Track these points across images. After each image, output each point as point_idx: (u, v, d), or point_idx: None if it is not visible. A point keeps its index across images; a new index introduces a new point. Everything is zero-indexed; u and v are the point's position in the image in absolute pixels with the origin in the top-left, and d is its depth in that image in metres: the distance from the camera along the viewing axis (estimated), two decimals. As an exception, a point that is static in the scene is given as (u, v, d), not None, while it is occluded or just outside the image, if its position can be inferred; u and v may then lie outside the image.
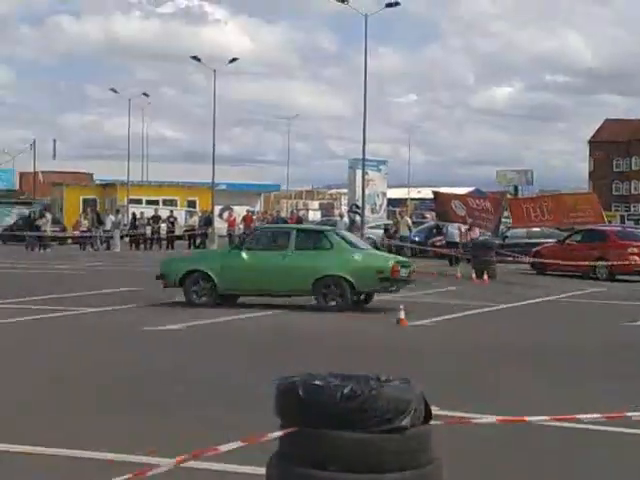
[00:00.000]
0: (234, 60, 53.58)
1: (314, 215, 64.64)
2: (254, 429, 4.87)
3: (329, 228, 20.75)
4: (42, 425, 7.39)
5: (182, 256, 21.58)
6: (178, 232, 44.09)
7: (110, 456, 6.26)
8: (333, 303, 16.34)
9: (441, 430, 4.84)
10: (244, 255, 16.97)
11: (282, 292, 16.93)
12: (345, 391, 4.16)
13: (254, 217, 44.87)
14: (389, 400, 4.14)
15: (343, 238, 17.66)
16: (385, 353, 11.50)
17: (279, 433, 4.26)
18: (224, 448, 4.37)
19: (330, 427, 4.12)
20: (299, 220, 42.43)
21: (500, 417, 5.43)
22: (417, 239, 34.73)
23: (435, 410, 4.38)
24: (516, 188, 74.36)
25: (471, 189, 70.64)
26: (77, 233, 43.26)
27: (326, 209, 69.95)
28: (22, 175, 76.81)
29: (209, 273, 16.84)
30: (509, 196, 40.42)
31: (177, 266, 17.56)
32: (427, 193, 60.42)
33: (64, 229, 46.29)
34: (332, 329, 14.14)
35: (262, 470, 4.36)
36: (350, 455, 4.09)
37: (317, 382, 4.24)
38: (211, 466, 5.70)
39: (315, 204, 76.64)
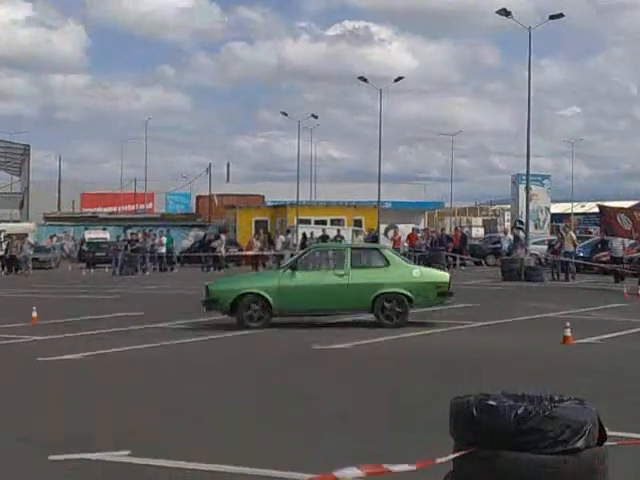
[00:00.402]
0: (400, 79, 53.40)
1: (477, 232, 64.07)
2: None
3: (383, 245, 21.58)
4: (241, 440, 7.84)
5: (228, 279, 19.92)
6: (346, 251, 44.35)
7: None
8: (388, 321, 16.56)
9: (617, 451, 4.73)
10: (299, 275, 16.85)
11: (340, 310, 17.07)
12: (519, 412, 4.10)
13: (418, 235, 45.00)
14: (563, 421, 4.06)
15: (397, 255, 18.40)
16: (553, 372, 11.19)
17: (453, 455, 4.26)
18: (396, 469, 4.34)
19: (504, 448, 4.08)
20: (463, 237, 42.04)
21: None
22: (582, 254, 33.98)
23: (609, 431, 4.31)
24: (689, 201, 71.25)
25: (637, 202, 68.62)
26: (250, 254, 44.43)
27: (489, 225, 69.35)
28: (198, 198, 78.98)
29: (264, 295, 16.54)
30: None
31: (227, 289, 16.96)
32: (591, 207, 59.04)
33: (241, 249, 46.94)
34: (493, 347, 13.75)
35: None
36: (524, 477, 4.04)
37: (491, 402, 4.21)
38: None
39: (479, 220, 75.95)
